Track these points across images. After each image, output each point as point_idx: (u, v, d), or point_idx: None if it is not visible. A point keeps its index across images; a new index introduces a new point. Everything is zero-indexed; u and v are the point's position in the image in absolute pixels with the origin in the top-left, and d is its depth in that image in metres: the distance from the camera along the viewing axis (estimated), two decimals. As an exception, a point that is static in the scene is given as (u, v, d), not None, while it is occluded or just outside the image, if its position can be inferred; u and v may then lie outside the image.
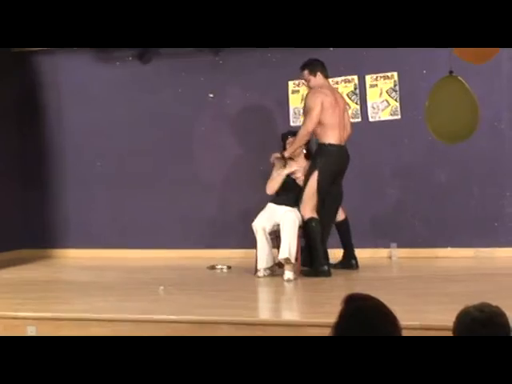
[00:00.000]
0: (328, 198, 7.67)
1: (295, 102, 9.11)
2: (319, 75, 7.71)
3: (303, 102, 7.88)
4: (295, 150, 7.75)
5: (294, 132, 7.98)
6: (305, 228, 7.60)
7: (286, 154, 7.75)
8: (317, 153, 7.73)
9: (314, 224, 7.51)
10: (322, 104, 7.56)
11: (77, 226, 10.07)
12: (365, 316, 2.76)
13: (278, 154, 7.89)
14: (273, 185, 7.87)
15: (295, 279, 7.38)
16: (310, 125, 7.56)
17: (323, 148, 7.65)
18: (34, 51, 10.17)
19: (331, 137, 7.61)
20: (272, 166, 7.98)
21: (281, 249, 7.44)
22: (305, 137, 7.66)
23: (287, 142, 7.91)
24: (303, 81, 7.96)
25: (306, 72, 7.72)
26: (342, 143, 7.72)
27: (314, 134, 7.72)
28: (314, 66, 7.72)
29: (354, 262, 7.91)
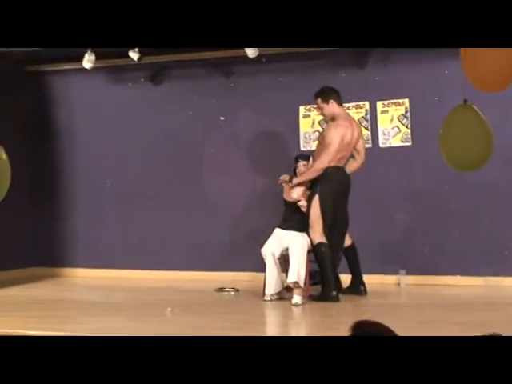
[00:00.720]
0: (335, 223, 7.61)
1: (306, 127, 9.11)
2: (333, 103, 7.68)
3: (323, 133, 7.77)
4: (304, 181, 7.70)
5: (306, 156, 7.95)
6: (314, 253, 7.55)
7: (294, 182, 7.70)
8: (320, 177, 7.64)
9: (323, 249, 7.48)
10: (342, 139, 7.55)
11: (86, 246, 10.06)
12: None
13: (286, 177, 7.84)
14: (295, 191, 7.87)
15: (303, 304, 7.32)
16: (327, 160, 7.52)
17: (327, 171, 7.59)
18: (47, 71, 10.25)
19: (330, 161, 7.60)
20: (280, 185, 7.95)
21: (289, 273, 7.39)
22: (319, 171, 7.56)
23: (297, 164, 7.88)
24: (317, 108, 7.94)
25: (319, 100, 7.72)
26: (340, 165, 7.65)
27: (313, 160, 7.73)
28: (327, 94, 7.71)
29: (362, 287, 7.85)
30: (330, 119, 7.73)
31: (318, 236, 7.50)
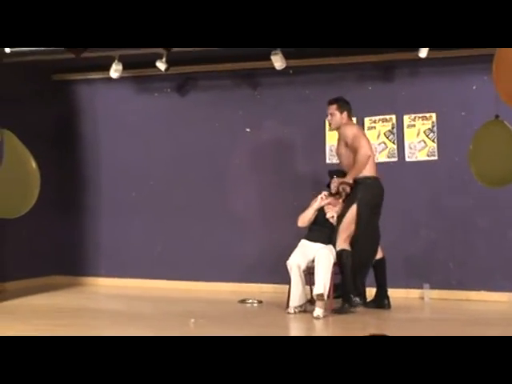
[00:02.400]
0: (366, 235, 7.65)
1: (332, 140, 9.13)
2: (345, 115, 7.87)
3: (342, 137, 7.81)
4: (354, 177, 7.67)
5: (342, 171, 7.97)
6: (337, 258, 7.63)
7: (349, 179, 7.64)
8: (357, 186, 7.70)
9: (344, 256, 7.54)
10: (361, 131, 7.83)
11: (109, 255, 10.14)
12: None
13: (325, 196, 7.92)
14: (303, 217, 7.92)
15: (325, 316, 7.35)
16: (367, 148, 7.62)
17: (360, 181, 7.67)
18: (73, 80, 10.34)
19: (367, 170, 7.65)
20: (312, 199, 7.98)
21: (316, 285, 7.44)
22: (365, 160, 7.59)
23: (332, 181, 7.94)
24: (329, 114, 7.95)
25: (334, 106, 7.88)
26: (377, 175, 7.72)
27: (349, 167, 7.75)
28: (343, 104, 7.89)
29: (386, 301, 7.88)
30: (335, 128, 7.94)
31: (342, 242, 7.57)
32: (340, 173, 8.00)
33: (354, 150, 7.66)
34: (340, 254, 7.58)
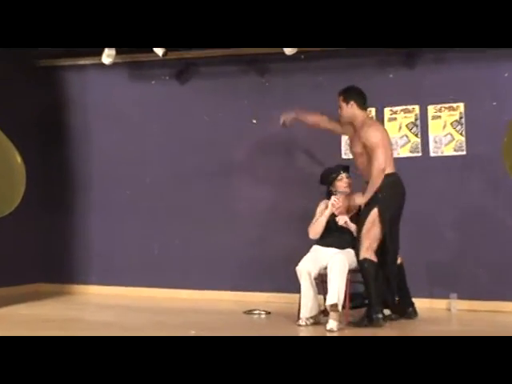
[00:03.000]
0: (392, 241, 7.62)
1: (348, 133, 9.12)
2: (353, 104, 7.78)
3: (364, 137, 7.65)
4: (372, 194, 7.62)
5: (346, 167, 7.95)
6: (360, 269, 7.57)
7: (363, 201, 7.63)
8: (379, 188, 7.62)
9: (366, 266, 7.46)
10: (384, 137, 7.69)
11: (100, 260, 10.15)
12: None
13: (338, 201, 7.87)
14: (315, 228, 7.88)
15: (339, 330, 7.31)
16: (381, 160, 7.53)
17: (385, 180, 7.59)
18: (61, 66, 10.34)
19: (387, 166, 7.61)
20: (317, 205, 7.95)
21: (328, 294, 7.38)
22: (380, 175, 7.53)
23: (338, 178, 7.89)
24: (338, 105, 7.88)
25: (341, 97, 7.85)
26: (395, 170, 7.69)
27: (364, 169, 7.73)
28: (349, 94, 7.84)
29: (411, 309, 7.87)
30: (349, 122, 7.85)
31: (365, 251, 7.49)
32: (345, 169, 8.00)
33: (369, 156, 7.61)
34: (360, 264, 7.50)
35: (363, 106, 7.85)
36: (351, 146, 7.99)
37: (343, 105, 7.79)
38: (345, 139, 9.08)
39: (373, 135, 7.63)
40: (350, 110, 7.77)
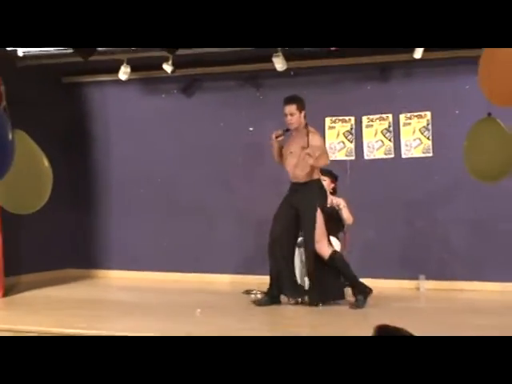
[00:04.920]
0: None
1: (331, 138, 9.18)
2: (303, 114, 7.55)
3: (309, 141, 7.43)
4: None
5: (329, 171, 7.97)
6: (333, 264, 7.42)
7: (311, 162, 7.31)
8: (314, 189, 7.50)
9: (338, 256, 7.45)
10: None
11: (120, 249, 10.17)
12: None
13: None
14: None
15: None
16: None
17: (318, 183, 7.57)
18: (83, 82, 10.36)
19: (317, 172, 7.58)
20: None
21: None
22: (325, 162, 7.48)
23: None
24: (289, 114, 7.51)
25: (294, 106, 7.49)
26: None
27: (293, 167, 7.57)
28: (302, 103, 7.55)
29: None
30: (295, 128, 7.54)
31: (328, 245, 7.45)
32: (328, 172, 7.96)
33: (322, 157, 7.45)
34: (335, 257, 7.40)
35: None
36: (285, 148, 7.69)
37: (297, 113, 7.48)
38: (329, 144, 9.11)
39: (319, 139, 7.54)
40: (302, 118, 7.52)
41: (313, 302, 7.45)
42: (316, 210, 7.38)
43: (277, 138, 7.62)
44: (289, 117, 7.51)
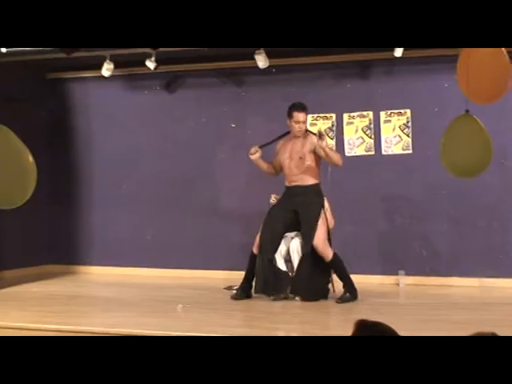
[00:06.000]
0: None
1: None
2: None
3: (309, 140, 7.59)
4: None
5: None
6: (332, 264, 7.50)
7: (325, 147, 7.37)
8: (317, 193, 7.64)
9: (337, 256, 7.51)
10: None
11: (100, 245, 10.13)
12: None
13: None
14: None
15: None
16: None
17: (319, 187, 7.68)
18: (66, 78, 10.31)
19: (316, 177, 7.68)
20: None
21: None
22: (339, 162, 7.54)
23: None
24: (302, 122, 7.59)
25: (305, 114, 7.63)
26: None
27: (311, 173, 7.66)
28: (307, 110, 7.68)
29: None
30: (303, 134, 7.63)
31: (330, 249, 7.50)
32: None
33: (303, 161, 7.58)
34: (337, 258, 7.48)
35: None
36: (280, 156, 7.78)
37: (306, 120, 7.68)
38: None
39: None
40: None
41: (294, 293, 7.51)
42: (321, 212, 7.48)
43: (256, 152, 7.70)
44: (301, 124, 7.56)
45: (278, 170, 7.89)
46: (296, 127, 7.57)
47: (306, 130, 7.71)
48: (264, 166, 7.83)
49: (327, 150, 7.37)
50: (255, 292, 7.62)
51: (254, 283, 7.63)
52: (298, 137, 7.61)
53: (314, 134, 7.51)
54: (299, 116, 7.52)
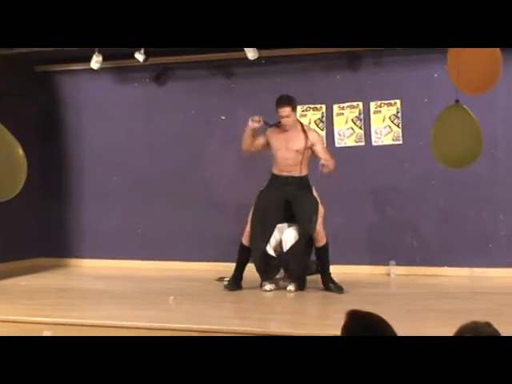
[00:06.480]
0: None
1: (302, 126, 9.16)
2: (295, 113, 7.72)
3: (308, 136, 7.57)
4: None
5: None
6: (320, 251, 7.55)
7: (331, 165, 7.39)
8: (308, 184, 7.64)
9: (327, 246, 7.55)
10: None
11: (92, 237, 10.11)
12: (369, 331, 2.81)
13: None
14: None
15: (296, 291, 7.44)
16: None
17: (307, 178, 7.68)
18: (56, 71, 10.27)
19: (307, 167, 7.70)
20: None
21: None
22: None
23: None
24: (285, 117, 7.52)
25: (289, 108, 7.52)
26: None
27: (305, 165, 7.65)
28: (296, 103, 7.68)
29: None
30: (291, 126, 7.58)
31: (324, 236, 7.54)
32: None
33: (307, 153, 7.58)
34: (327, 245, 7.55)
35: None
36: (279, 146, 7.67)
37: (292, 114, 7.57)
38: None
39: (317, 135, 7.82)
40: (295, 117, 7.68)
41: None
42: (317, 200, 7.50)
43: (259, 122, 7.60)
44: (285, 119, 7.54)
45: (257, 152, 7.87)
46: (282, 121, 7.57)
47: (302, 124, 7.71)
48: (252, 139, 7.72)
49: (331, 167, 7.37)
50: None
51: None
52: (291, 127, 7.58)
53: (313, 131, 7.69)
54: (281, 111, 7.52)
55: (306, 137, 7.55)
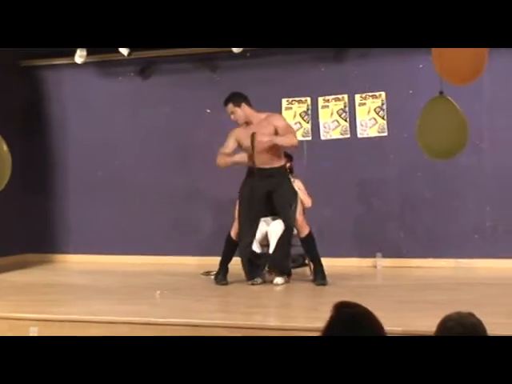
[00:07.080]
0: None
1: (288, 119, 9.06)
2: (244, 106, 7.57)
3: (275, 122, 7.52)
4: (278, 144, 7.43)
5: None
6: (305, 240, 7.52)
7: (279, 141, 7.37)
8: (286, 174, 7.67)
9: (312, 235, 7.52)
10: None
11: (77, 233, 10.09)
12: (355, 323, 2.81)
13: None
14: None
15: (283, 283, 7.42)
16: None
17: (285, 168, 7.69)
18: (39, 66, 10.23)
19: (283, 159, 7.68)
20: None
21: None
22: (295, 143, 7.53)
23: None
24: (230, 114, 7.60)
25: (230, 105, 7.55)
26: None
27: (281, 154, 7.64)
28: (236, 99, 7.59)
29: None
30: (244, 122, 7.57)
31: (306, 225, 7.52)
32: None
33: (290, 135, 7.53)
34: (311, 235, 7.51)
35: (249, 103, 7.65)
36: (243, 141, 7.60)
37: (236, 110, 7.52)
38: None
39: (283, 119, 7.78)
40: (245, 110, 7.55)
41: (271, 268, 7.57)
42: (296, 191, 7.52)
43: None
44: (232, 116, 7.59)
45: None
46: (232, 118, 7.66)
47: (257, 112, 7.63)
48: (244, 157, 7.71)
49: (276, 141, 7.34)
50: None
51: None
52: (248, 124, 7.55)
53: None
54: (227, 110, 7.63)
55: (269, 123, 7.49)
